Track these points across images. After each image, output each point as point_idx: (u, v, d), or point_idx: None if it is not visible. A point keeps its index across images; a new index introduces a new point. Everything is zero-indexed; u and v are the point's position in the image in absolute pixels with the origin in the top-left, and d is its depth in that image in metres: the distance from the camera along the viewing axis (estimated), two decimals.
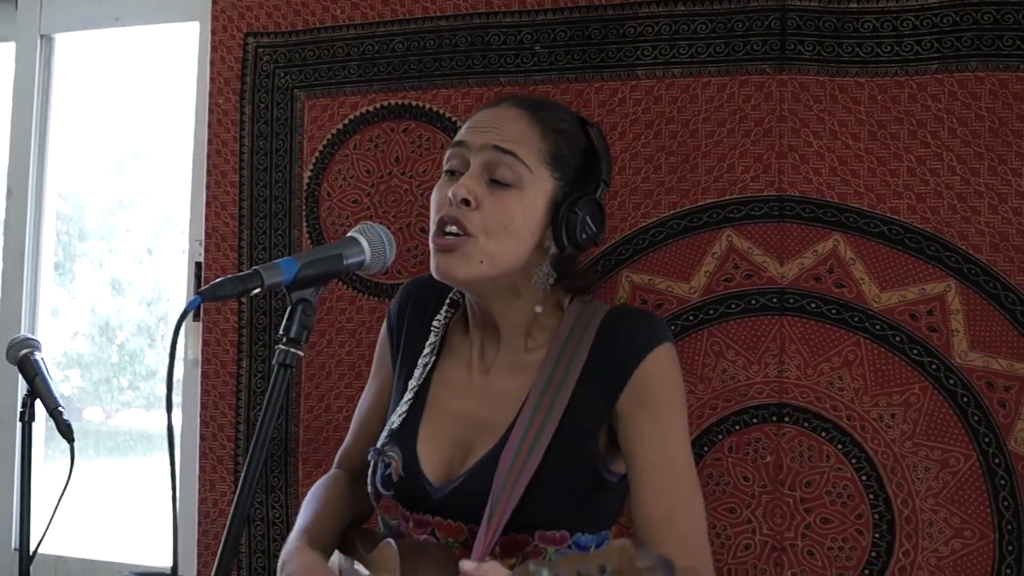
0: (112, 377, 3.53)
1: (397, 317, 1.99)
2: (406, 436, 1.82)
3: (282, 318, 2.45)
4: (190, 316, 2.66)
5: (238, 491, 1.41)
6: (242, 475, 1.42)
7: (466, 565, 1.35)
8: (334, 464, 2.09)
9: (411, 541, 1.77)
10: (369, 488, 1.86)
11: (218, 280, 1.42)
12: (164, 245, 3.56)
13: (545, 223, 1.74)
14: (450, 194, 1.71)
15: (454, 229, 1.71)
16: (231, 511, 1.43)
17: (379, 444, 1.85)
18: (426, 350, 1.90)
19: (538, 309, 1.79)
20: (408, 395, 1.87)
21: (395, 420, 1.86)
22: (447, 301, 1.93)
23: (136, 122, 3.46)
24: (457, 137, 1.79)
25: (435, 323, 1.92)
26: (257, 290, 1.42)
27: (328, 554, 1.85)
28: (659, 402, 1.71)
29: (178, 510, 1.40)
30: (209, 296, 1.39)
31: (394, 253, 1.60)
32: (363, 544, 1.87)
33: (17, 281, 3.11)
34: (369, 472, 1.86)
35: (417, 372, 1.89)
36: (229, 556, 1.35)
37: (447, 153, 1.80)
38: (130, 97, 3.43)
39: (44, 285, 3.15)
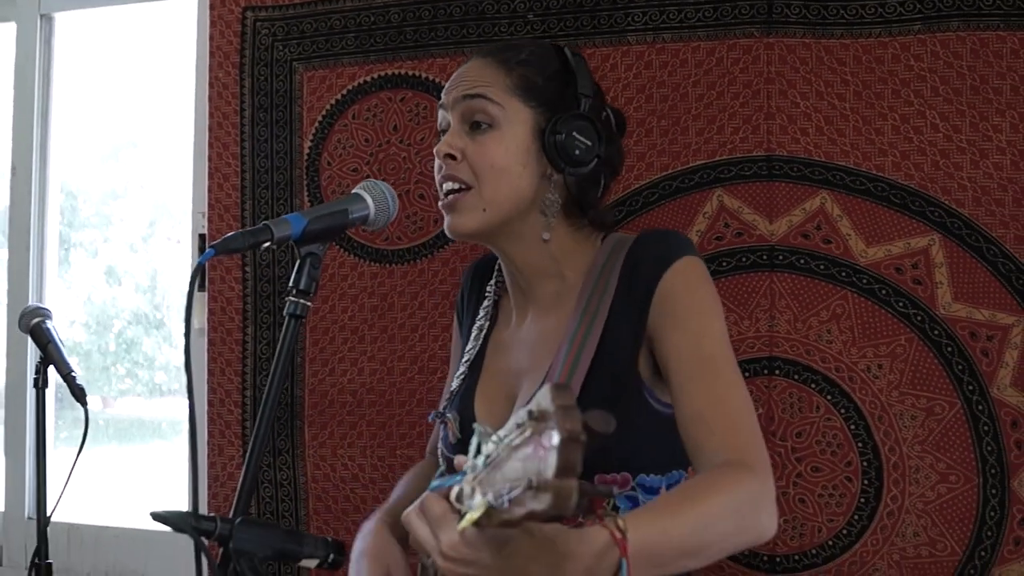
0: (110, 365, 3.56)
1: (461, 302, 2.04)
2: (463, 398, 1.86)
3: (285, 288, 2.53)
4: (196, 286, 2.72)
5: (256, 425, 1.47)
6: (259, 412, 1.49)
7: (459, 458, 1.32)
8: (427, 452, 2.14)
9: None
10: (439, 457, 1.89)
11: (230, 234, 1.48)
12: (158, 234, 3.59)
13: (537, 153, 1.74)
14: (435, 151, 1.77)
15: (451, 186, 1.75)
16: (251, 438, 1.48)
17: (440, 408, 1.90)
18: (480, 314, 1.94)
19: (545, 236, 1.77)
20: (465, 357, 1.91)
21: (453, 383, 1.90)
22: (496, 268, 1.96)
23: (131, 110, 3.48)
24: (439, 102, 1.84)
25: (487, 290, 1.96)
26: (267, 243, 1.47)
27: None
28: (685, 309, 1.68)
29: (197, 471, 1.44)
30: (222, 249, 1.45)
31: (397, 208, 1.65)
32: None
33: (24, 256, 3.17)
34: (434, 439, 1.91)
35: (472, 335, 1.93)
36: (247, 495, 1.41)
37: (437, 112, 1.85)
38: (127, 81, 3.45)
39: (50, 259, 3.21)
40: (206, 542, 1.39)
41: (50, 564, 2.20)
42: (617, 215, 2.26)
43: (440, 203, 1.79)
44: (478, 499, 1.10)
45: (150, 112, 3.44)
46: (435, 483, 1.28)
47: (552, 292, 1.82)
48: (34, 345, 2.34)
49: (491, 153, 1.73)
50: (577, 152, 1.73)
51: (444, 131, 1.81)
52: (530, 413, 1.05)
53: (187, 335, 1.43)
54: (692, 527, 1.47)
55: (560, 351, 1.72)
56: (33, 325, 2.30)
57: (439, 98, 1.83)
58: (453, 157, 1.74)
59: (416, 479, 2.02)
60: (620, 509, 1.64)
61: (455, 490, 1.21)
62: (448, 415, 1.84)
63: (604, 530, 1.33)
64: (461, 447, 1.80)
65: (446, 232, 1.79)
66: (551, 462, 1.01)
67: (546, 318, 1.82)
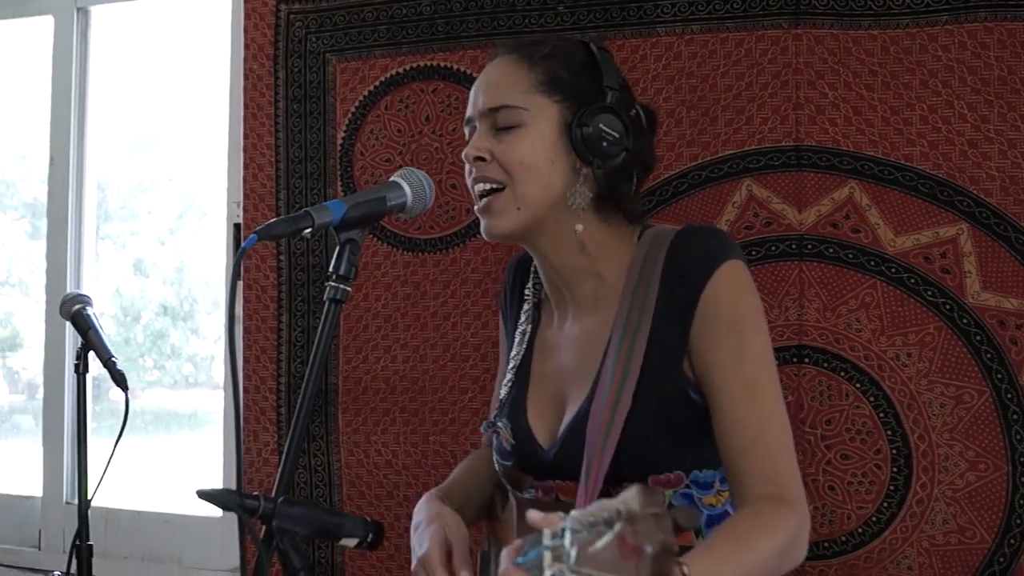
0: (137, 357, 3.62)
1: (505, 300, 2.04)
2: (514, 406, 1.86)
3: (319, 276, 2.57)
4: (239, 270, 2.76)
5: (299, 401, 1.51)
6: (302, 390, 1.53)
7: (533, 516, 1.36)
8: (483, 443, 2.16)
9: (526, 498, 1.80)
10: (497, 466, 1.89)
11: (272, 220, 1.51)
12: (186, 226, 3.63)
13: (565, 148, 1.74)
14: (463, 157, 1.78)
15: (483, 187, 1.76)
16: (295, 415, 1.52)
17: (492, 417, 1.91)
18: (522, 318, 1.94)
19: (579, 228, 1.76)
20: (511, 364, 1.90)
21: (502, 390, 1.90)
22: (532, 269, 1.95)
23: (160, 103, 3.52)
24: (466, 114, 1.84)
25: (527, 291, 1.95)
26: (308, 229, 1.50)
27: (461, 512, 1.85)
28: (729, 324, 1.66)
29: (227, 455, 1.48)
30: (264, 234, 1.48)
31: (433, 196, 1.68)
32: (502, 505, 1.91)
33: (62, 244, 3.23)
34: (494, 447, 1.92)
35: (516, 340, 1.93)
36: (288, 474, 1.45)
37: (464, 127, 1.85)
38: (159, 74, 3.49)
39: (87, 248, 3.26)
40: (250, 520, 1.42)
41: (91, 546, 2.25)
42: (647, 205, 2.29)
43: (476, 207, 1.79)
44: None
45: (179, 105, 3.48)
46: (520, 559, 1.30)
47: (591, 291, 1.81)
48: (72, 333, 2.39)
49: (519, 150, 1.73)
50: (605, 144, 1.72)
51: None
52: (618, 512, 1.08)
53: (230, 316, 1.46)
54: (745, 569, 1.50)
55: (609, 357, 1.71)
56: (74, 312, 2.35)
57: (470, 88, 1.84)
58: (482, 159, 1.75)
59: (473, 463, 2.03)
60: (674, 507, 1.65)
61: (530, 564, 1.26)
62: (499, 424, 1.85)
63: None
64: (515, 456, 1.81)
65: (484, 235, 1.79)
66: (644, 570, 1.05)
67: (587, 318, 1.81)
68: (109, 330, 2.35)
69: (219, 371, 3.41)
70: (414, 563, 1.73)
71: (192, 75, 3.39)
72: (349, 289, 1.56)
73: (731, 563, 1.49)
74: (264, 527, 1.44)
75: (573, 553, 1.13)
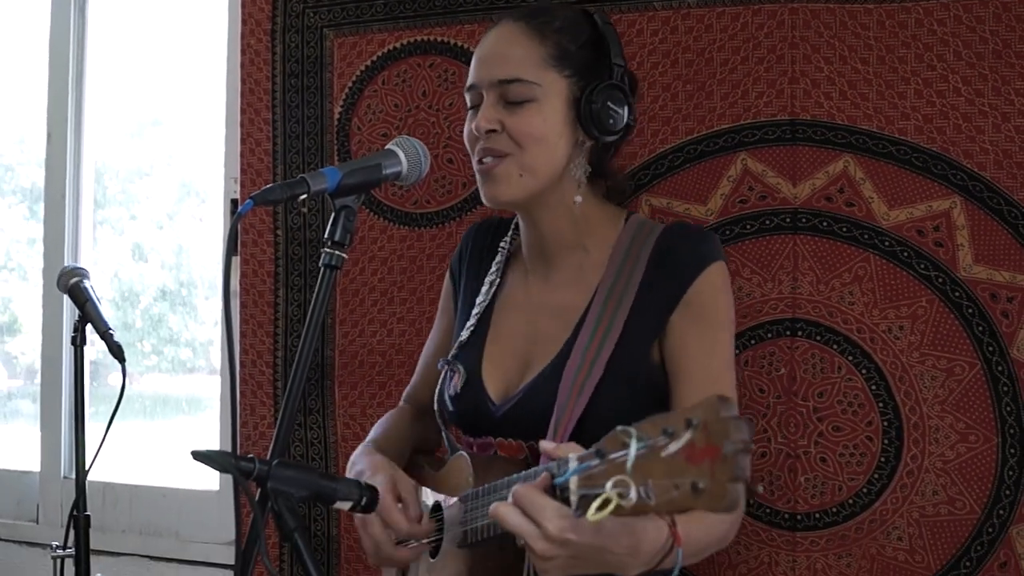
0: (135, 342, 3.62)
1: (458, 262, 2.11)
2: (471, 353, 1.92)
3: (316, 251, 2.58)
4: (236, 236, 2.78)
5: (295, 364, 1.52)
6: (297, 355, 1.55)
7: (546, 445, 1.45)
8: (401, 400, 2.20)
9: (480, 455, 1.86)
10: (436, 406, 1.96)
11: (269, 186, 1.53)
12: (184, 211, 3.64)
13: (571, 120, 1.81)
14: (474, 128, 1.82)
15: (490, 158, 1.82)
16: (291, 377, 1.55)
17: (450, 355, 1.96)
18: (492, 268, 2.00)
19: (577, 199, 1.85)
20: (476, 310, 1.97)
21: (464, 334, 1.96)
22: (513, 225, 2.03)
23: (158, 86, 3.52)
24: (468, 79, 1.88)
25: (501, 245, 2.02)
26: (304, 195, 1.52)
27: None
28: (709, 318, 1.80)
29: (223, 437, 1.49)
30: (260, 200, 1.50)
31: (429, 164, 1.70)
32: (430, 466, 1.96)
33: (59, 220, 3.24)
34: (437, 390, 1.96)
35: (483, 290, 1.99)
36: (284, 437, 1.46)
37: (465, 93, 1.90)
38: (156, 57, 3.50)
39: (85, 222, 3.27)
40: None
41: (88, 516, 2.26)
42: (642, 180, 2.30)
43: (476, 169, 1.85)
44: (630, 493, 1.19)
45: (177, 89, 3.48)
46: (559, 480, 1.35)
47: (575, 264, 1.89)
48: (70, 309, 2.40)
49: (531, 124, 1.80)
50: (611, 121, 1.81)
51: (475, 107, 1.85)
52: (689, 422, 1.15)
53: (226, 286, 1.47)
54: (707, 529, 1.65)
55: (586, 327, 1.79)
56: (72, 284, 2.36)
57: (467, 63, 1.87)
58: (494, 130, 1.80)
59: (396, 421, 2.10)
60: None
61: (570, 479, 1.31)
62: (459, 365, 1.90)
63: (664, 523, 1.43)
64: (467, 406, 1.88)
65: (485, 201, 1.85)
66: (725, 469, 1.12)
67: (566, 289, 1.89)
68: (106, 314, 2.37)
69: (217, 356, 3.42)
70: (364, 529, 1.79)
71: (190, 56, 3.39)
72: (345, 255, 1.58)
73: (698, 520, 1.54)
74: (259, 489, 1.46)
75: (630, 462, 1.20)
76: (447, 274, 2.18)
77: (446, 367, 1.94)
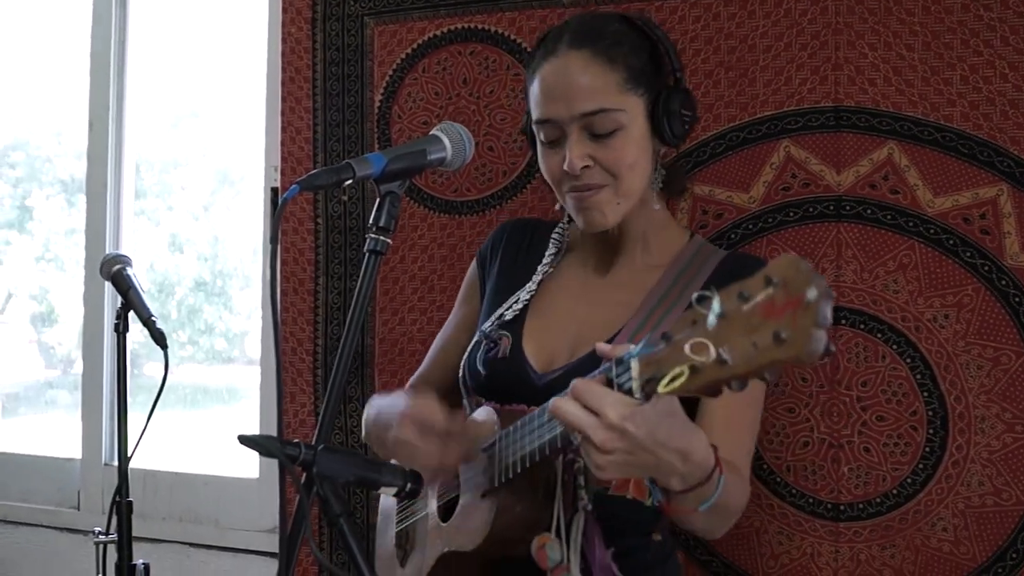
0: (171, 333, 3.61)
1: (490, 252, 2.12)
2: (515, 326, 1.93)
3: (356, 239, 2.59)
4: (279, 220, 2.78)
5: (338, 357, 1.52)
6: (343, 336, 1.55)
7: (602, 346, 1.43)
8: (407, 387, 2.20)
9: (505, 408, 1.84)
10: (463, 372, 1.96)
11: (314, 171, 1.53)
12: (220, 202, 3.65)
13: (650, 135, 1.85)
14: (566, 168, 1.82)
15: (589, 194, 1.84)
16: (336, 362, 1.56)
17: (486, 328, 1.96)
18: (546, 259, 2.03)
19: (656, 207, 1.92)
20: (525, 295, 1.98)
21: (507, 313, 1.97)
22: (554, 231, 2.06)
23: (196, 78, 3.54)
24: (540, 113, 1.86)
25: (554, 236, 2.05)
26: (349, 180, 1.52)
27: None
28: None
29: (262, 427, 1.50)
30: (306, 185, 1.50)
31: (473, 150, 1.70)
32: None
33: (101, 210, 3.26)
34: (466, 357, 1.97)
35: (535, 279, 2.00)
36: (329, 423, 1.47)
37: (536, 127, 1.89)
38: (196, 45, 3.51)
39: (126, 213, 3.30)
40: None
41: (131, 502, 2.27)
42: (685, 167, 2.29)
43: (571, 201, 1.87)
44: (711, 353, 1.18)
45: (215, 80, 3.50)
46: (637, 350, 1.34)
47: (638, 261, 1.93)
48: (111, 297, 2.41)
49: (624, 153, 1.83)
50: (685, 126, 1.87)
51: (552, 142, 1.85)
52: (767, 279, 1.13)
53: (272, 268, 1.47)
54: (732, 487, 1.62)
55: (634, 320, 1.81)
56: (114, 272, 2.37)
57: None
58: (588, 167, 1.82)
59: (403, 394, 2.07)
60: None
61: (619, 371, 1.34)
62: (504, 333, 1.91)
63: (712, 452, 1.52)
64: (506, 370, 1.88)
65: (583, 228, 1.90)
66: (808, 315, 1.09)
67: (623, 283, 1.92)
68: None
69: (252, 347, 3.43)
70: (392, 435, 1.74)
71: (228, 47, 3.40)
72: (389, 241, 1.58)
73: (729, 471, 1.60)
74: (304, 474, 1.46)
75: (712, 324, 1.19)
76: (473, 263, 2.18)
77: (485, 339, 1.94)
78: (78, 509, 3.29)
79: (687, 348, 1.20)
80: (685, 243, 1.95)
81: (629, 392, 1.33)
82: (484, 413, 1.78)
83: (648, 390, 1.28)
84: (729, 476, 1.58)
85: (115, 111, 3.28)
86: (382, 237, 1.56)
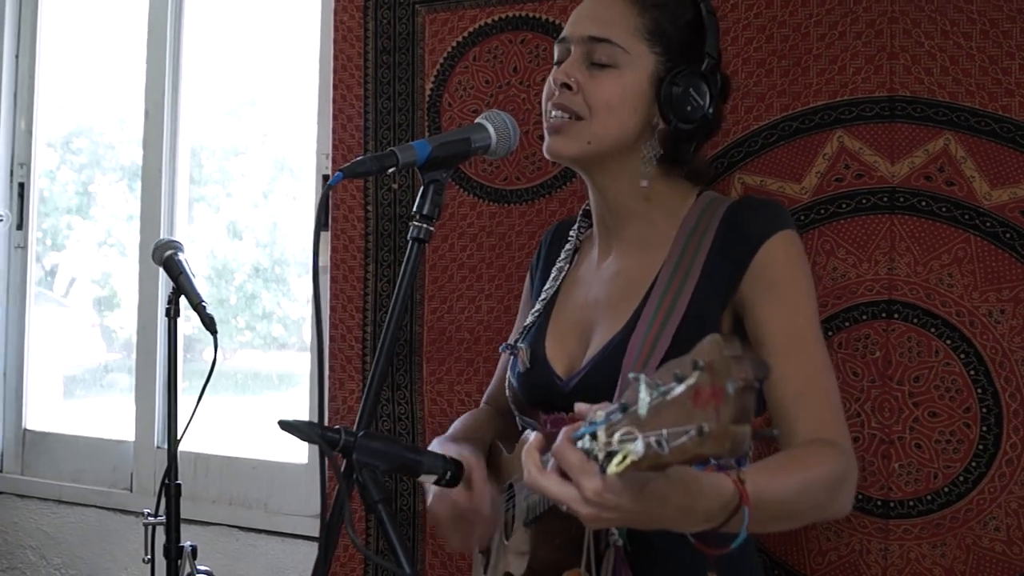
0: (230, 318, 3.67)
1: (536, 263, 2.11)
2: (536, 332, 1.92)
3: (406, 227, 2.59)
4: (327, 206, 2.80)
5: (380, 343, 1.52)
6: (383, 331, 1.54)
7: (580, 407, 1.37)
8: (482, 402, 2.21)
9: (548, 431, 1.85)
10: (508, 391, 1.95)
11: (359, 158, 1.53)
12: (279, 189, 3.66)
13: (650, 99, 1.78)
14: (551, 79, 1.81)
15: (559, 114, 1.79)
16: (378, 347, 1.55)
17: (511, 340, 1.95)
18: (561, 256, 2.00)
19: (643, 183, 1.82)
20: (542, 296, 1.96)
21: (529, 318, 1.96)
22: (580, 214, 2.03)
23: (254, 65, 3.56)
24: (561, 35, 1.86)
25: (570, 234, 2.02)
26: (393, 168, 1.52)
27: None
28: (783, 283, 1.73)
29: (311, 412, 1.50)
30: (350, 172, 1.50)
31: (518, 138, 1.69)
32: (507, 449, 1.94)
33: (155, 196, 3.29)
34: (508, 374, 1.96)
35: (552, 276, 1.99)
36: (370, 410, 1.47)
37: (555, 45, 1.88)
38: (247, 38, 3.54)
39: (180, 199, 3.33)
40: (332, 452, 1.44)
41: (179, 485, 2.30)
42: (731, 160, 2.27)
43: (545, 123, 1.84)
44: (637, 445, 1.15)
45: (272, 67, 3.51)
46: (578, 431, 1.31)
47: (639, 234, 1.87)
48: (164, 282, 2.44)
49: (608, 91, 1.77)
50: (689, 108, 1.77)
51: (560, 62, 1.84)
52: (695, 363, 1.10)
53: (315, 254, 1.48)
54: (796, 491, 1.55)
55: (653, 298, 1.77)
56: (166, 257, 2.39)
57: (558, 37, 1.86)
58: (569, 87, 1.78)
59: (476, 415, 2.08)
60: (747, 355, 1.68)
61: (590, 439, 1.26)
62: (520, 346, 1.89)
63: (727, 478, 1.39)
64: (535, 383, 1.86)
65: (544, 152, 1.84)
66: (727, 410, 1.07)
67: (629, 259, 1.87)
68: (202, 291, 2.40)
69: (308, 333, 3.45)
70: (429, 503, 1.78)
71: (284, 36, 3.42)
72: (432, 229, 1.57)
73: (785, 477, 1.53)
74: (345, 460, 1.46)
75: (643, 412, 1.15)
76: (528, 276, 2.17)
77: (508, 351, 1.94)
78: (131, 491, 3.34)
79: (616, 438, 1.18)
80: (691, 204, 1.86)
81: (597, 460, 1.26)
82: (529, 437, 1.77)
83: (605, 464, 1.22)
84: (795, 476, 1.54)
85: (170, 99, 3.31)
86: (425, 225, 1.56)
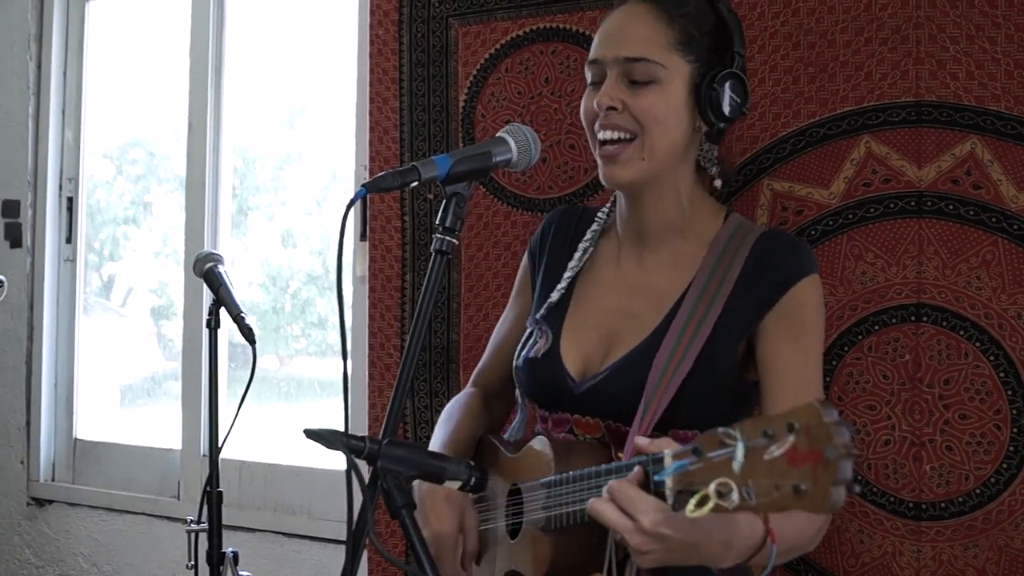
0: (285, 325, 3.71)
1: (539, 243, 2.13)
2: (555, 321, 1.95)
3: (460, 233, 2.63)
4: (358, 236, 2.86)
5: (405, 353, 1.57)
6: (409, 341, 1.59)
7: (640, 441, 1.47)
8: (469, 382, 2.23)
9: (559, 439, 1.88)
10: (515, 364, 2.00)
11: (380, 174, 1.57)
12: (332, 197, 3.70)
13: (690, 105, 1.84)
14: (595, 104, 1.85)
15: (611, 135, 1.84)
16: (402, 358, 1.59)
17: (538, 315, 1.98)
18: (578, 252, 2.02)
19: (675, 184, 1.89)
20: (568, 273, 2.00)
21: (554, 295, 1.99)
22: (597, 213, 2.05)
23: (302, 76, 3.60)
24: (592, 54, 1.90)
25: (598, 215, 2.05)
26: (415, 182, 1.56)
27: None
28: (804, 326, 1.81)
29: (348, 393, 1.54)
30: (372, 188, 1.55)
31: (539, 151, 1.72)
32: (506, 449, 1.97)
33: (199, 207, 3.36)
34: (516, 351, 2.00)
35: (576, 256, 2.02)
36: (395, 419, 1.51)
37: (586, 70, 1.92)
38: (297, 47, 3.58)
39: (223, 210, 3.39)
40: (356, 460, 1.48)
41: (220, 492, 2.34)
42: (764, 163, 2.29)
43: (597, 152, 1.88)
44: (732, 495, 1.24)
45: (323, 79, 3.56)
46: (659, 476, 1.39)
47: (672, 250, 1.92)
48: (209, 291, 2.48)
49: (654, 106, 1.82)
50: (729, 109, 1.83)
51: (596, 83, 1.87)
52: (790, 426, 1.19)
53: (339, 268, 1.51)
54: (798, 529, 1.65)
55: (681, 314, 1.81)
56: (206, 270, 2.44)
57: (588, 49, 1.90)
58: (615, 108, 1.82)
59: (463, 413, 2.11)
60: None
61: (667, 478, 1.35)
62: (547, 328, 1.92)
63: (758, 518, 1.49)
64: (539, 370, 1.92)
65: (603, 181, 1.89)
66: (828, 473, 1.16)
67: (659, 273, 1.91)
68: (257, 298, 2.45)
69: (363, 340, 3.47)
70: (426, 532, 1.83)
71: (331, 46, 3.47)
72: (455, 241, 1.61)
73: (790, 519, 1.57)
74: (371, 468, 1.50)
75: (737, 464, 1.24)
76: (525, 255, 2.19)
77: (535, 327, 1.97)
78: (178, 498, 3.40)
79: (713, 487, 1.25)
80: (721, 225, 1.92)
81: (663, 496, 1.36)
82: (540, 444, 1.82)
83: (679, 503, 1.32)
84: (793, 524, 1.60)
85: (213, 112, 3.38)
86: (448, 237, 1.60)
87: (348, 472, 1.46)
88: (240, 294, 2.46)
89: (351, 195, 3.20)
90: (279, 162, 3.76)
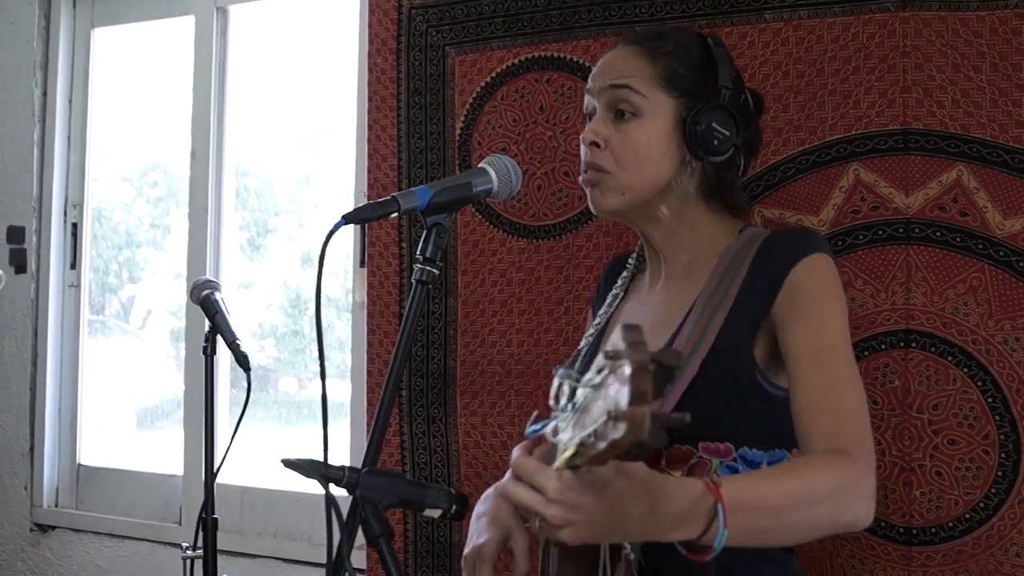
0: (305, 348, 3.69)
1: (594, 299, 2.18)
2: (586, 359, 1.97)
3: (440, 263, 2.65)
4: (357, 262, 2.89)
5: (385, 381, 1.59)
6: (389, 369, 1.61)
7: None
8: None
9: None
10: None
11: (360, 205, 1.60)
12: None
13: (678, 141, 1.86)
14: (581, 137, 1.89)
15: (591, 173, 1.89)
16: (382, 390, 1.62)
17: (567, 364, 2.00)
18: (617, 283, 2.07)
19: (663, 211, 1.89)
20: (596, 320, 2.03)
21: (582, 343, 2.03)
22: (636, 249, 2.08)
23: (319, 98, 3.62)
24: (587, 85, 1.95)
25: (628, 262, 2.08)
26: (395, 213, 1.59)
27: None
28: (809, 301, 1.76)
29: (327, 419, 1.56)
30: (352, 219, 1.58)
31: (520, 182, 1.75)
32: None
33: (201, 233, 3.39)
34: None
35: (607, 302, 2.05)
36: (376, 447, 1.52)
37: (584, 105, 1.96)
38: (304, 70, 3.61)
39: (226, 235, 3.42)
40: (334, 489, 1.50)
41: (216, 519, 2.37)
42: (755, 191, 2.30)
43: (580, 178, 1.92)
44: (569, 437, 1.21)
45: (338, 103, 3.59)
46: (529, 429, 1.39)
47: (685, 262, 1.93)
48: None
49: (634, 142, 1.85)
50: (716, 142, 1.84)
51: (590, 115, 1.93)
52: (606, 354, 1.17)
53: (318, 297, 1.54)
54: (787, 498, 1.57)
55: (685, 327, 1.82)
56: (203, 297, 2.48)
57: (584, 78, 1.94)
58: (597, 145, 1.87)
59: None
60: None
61: (553, 438, 1.31)
62: (571, 372, 1.94)
63: (699, 480, 1.45)
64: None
65: (590, 207, 1.92)
66: (624, 392, 1.12)
67: (675, 285, 1.92)
68: (276, 321, 2.48)
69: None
70: (468, 549, 1.83)
71: (342, 69, 3.49)
72: (436, 271, 1.64)
73: (773, 484, 1.58)
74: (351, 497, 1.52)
75: (570, 406, 1.24)
76: (589, 309, 2.23)
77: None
78: (179, 524, 3.41)
79: (561, 436, 1.23)
80: (733, 240, 1.92)
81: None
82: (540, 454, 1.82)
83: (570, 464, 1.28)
84: (784, 481, 1.58)
85: (216, 140, 3.41)
86: (428, 267, 1.62)
87: (327, 502, 1.48)
88: (259, 316, 2.48)
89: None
90: (298, 184, 3.78)
